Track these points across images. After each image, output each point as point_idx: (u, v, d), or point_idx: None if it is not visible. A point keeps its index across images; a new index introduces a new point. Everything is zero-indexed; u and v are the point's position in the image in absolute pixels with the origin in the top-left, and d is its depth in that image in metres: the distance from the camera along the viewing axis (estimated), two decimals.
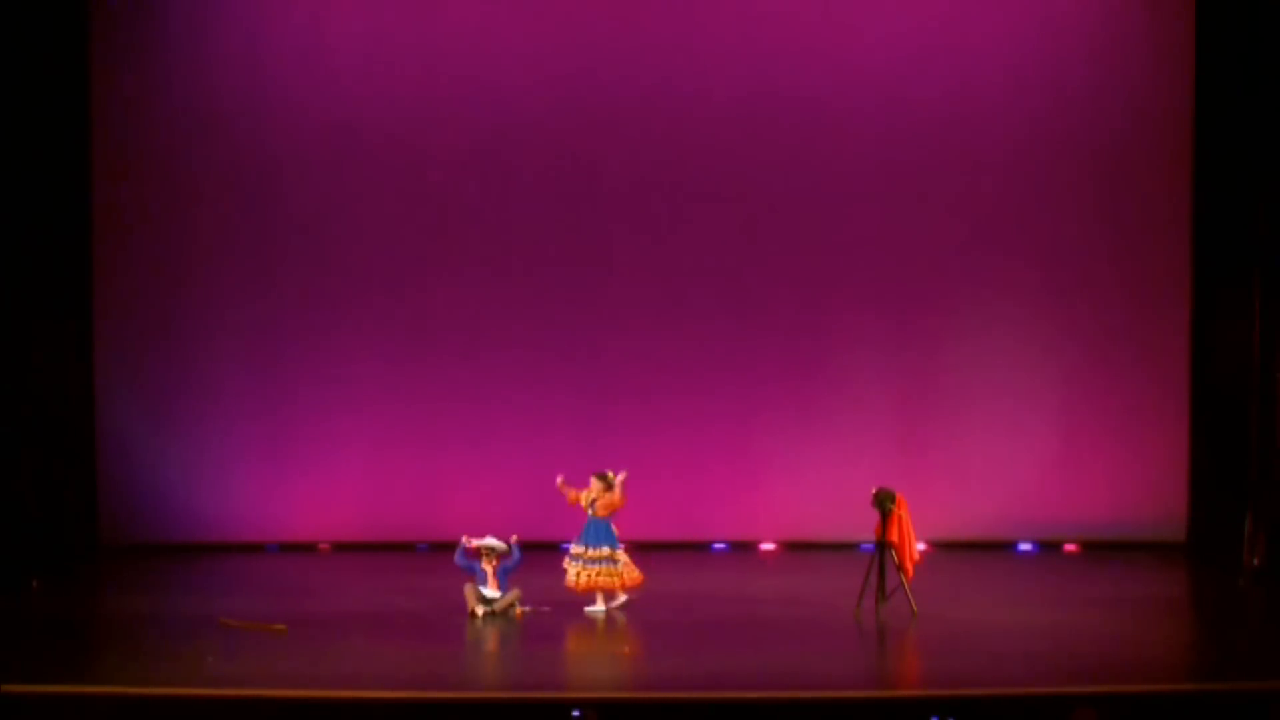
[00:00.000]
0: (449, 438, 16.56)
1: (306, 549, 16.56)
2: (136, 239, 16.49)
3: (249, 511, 16.54)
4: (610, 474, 13.26)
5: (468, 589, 13.12)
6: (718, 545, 16.69)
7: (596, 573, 13.14)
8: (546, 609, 13.23)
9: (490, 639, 12.59)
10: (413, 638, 12.44)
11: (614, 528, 13.29)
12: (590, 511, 13.23)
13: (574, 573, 13.20)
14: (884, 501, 13.07)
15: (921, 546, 13.74)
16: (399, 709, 10.43)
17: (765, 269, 16.54)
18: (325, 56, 16.47)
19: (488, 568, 13.15)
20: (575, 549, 13.28)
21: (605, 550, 13.17)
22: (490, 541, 13.21)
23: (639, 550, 16.41)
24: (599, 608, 13.24)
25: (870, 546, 13.46)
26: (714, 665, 11.39)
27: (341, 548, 16.59)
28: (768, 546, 16.61)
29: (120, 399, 16.50)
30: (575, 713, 10.10)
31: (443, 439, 16.56)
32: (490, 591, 13.08)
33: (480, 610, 12.98)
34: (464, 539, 13.31)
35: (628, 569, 13.24)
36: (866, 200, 16.52)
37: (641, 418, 16.53)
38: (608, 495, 13.20)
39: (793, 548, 16.53)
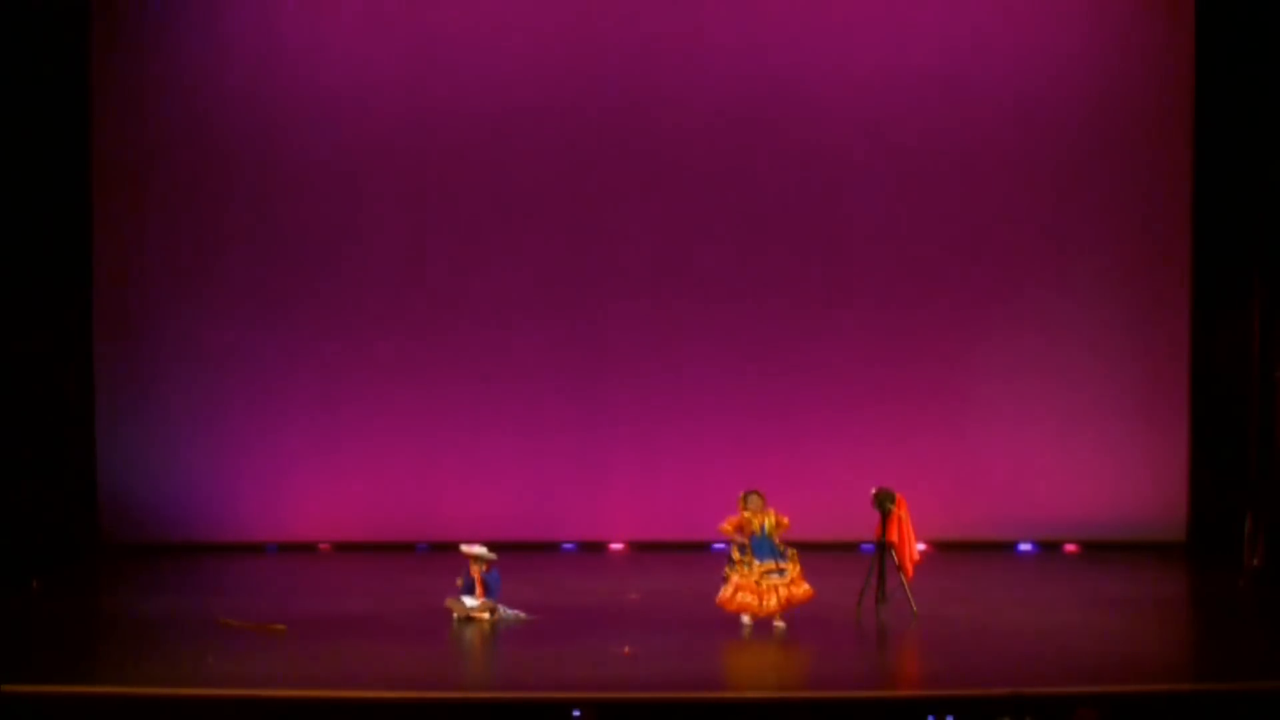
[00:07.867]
0: (449, 438, 16.54)
1: (306, 549, 16.55)
2: (137, 239, 16.48)
3: (249, 511, 16.53)
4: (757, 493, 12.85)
5: (449, 601, 13.11)
6: (717, 545, 16.63)
7: (770, 584, 12.61)
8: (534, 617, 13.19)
9: (490, 640, 12.58)
10: (412, 638, 12.42)
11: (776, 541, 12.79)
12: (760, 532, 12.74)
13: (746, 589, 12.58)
14: (884, 502, 13.07)
15: (921, 546, 13.72)
16: (399, 709, 10.42)
17: (765, 269, 16.53)
18: (327, 56, 16.45)
19: (475, 575, 13.13)
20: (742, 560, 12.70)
21: (770, 563, 12.70)
22: (479, 550, 13.21)
23: (639, 550, 16.48)
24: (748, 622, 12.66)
25: (870, 547, 13.45)
26: (714, 665, 11.38)
27: (341, 548, 16.58)
28: None
29: (120, 399, 16.49)
30: (575, 713, 10.10)
31: (442, 439, 16.54)
32: (471, 600, 13.05)
33: (467, 615, 12.97)
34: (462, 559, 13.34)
35: (795, 583, 12.68)
36: (867, 200, 16.51)
37: (642, 418, 16.52)
38: (769, 512, 12.74)
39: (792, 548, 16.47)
